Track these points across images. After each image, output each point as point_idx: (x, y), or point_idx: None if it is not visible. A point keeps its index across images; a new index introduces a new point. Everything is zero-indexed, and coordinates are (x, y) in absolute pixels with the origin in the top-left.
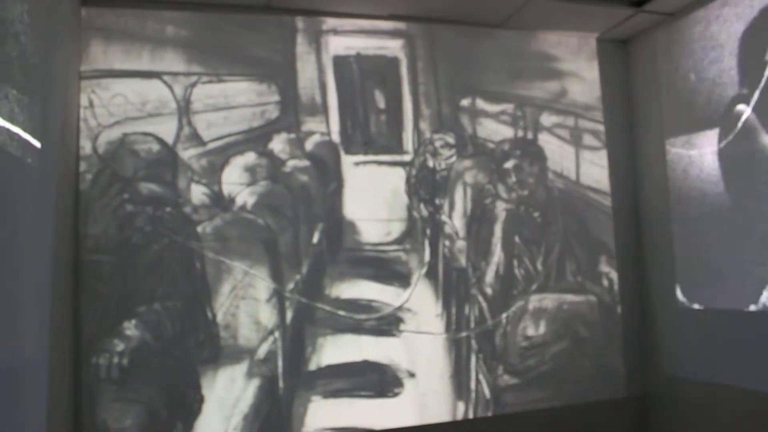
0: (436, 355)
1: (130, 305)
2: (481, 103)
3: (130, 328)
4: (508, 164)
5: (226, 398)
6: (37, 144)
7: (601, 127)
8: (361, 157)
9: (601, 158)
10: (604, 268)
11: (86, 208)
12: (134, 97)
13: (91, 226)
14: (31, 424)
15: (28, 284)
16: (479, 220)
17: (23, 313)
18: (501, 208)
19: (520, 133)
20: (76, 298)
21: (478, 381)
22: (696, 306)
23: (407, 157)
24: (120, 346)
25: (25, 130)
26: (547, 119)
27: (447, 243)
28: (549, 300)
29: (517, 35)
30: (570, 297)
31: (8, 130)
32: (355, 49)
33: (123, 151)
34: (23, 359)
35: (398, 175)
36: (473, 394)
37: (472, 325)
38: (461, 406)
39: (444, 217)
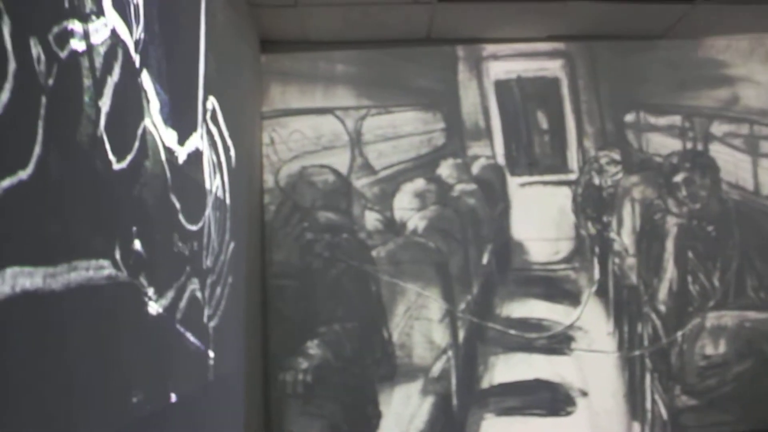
0: (608, 374)
1: (312, 326)
2: (646, 117)
3: (313, 348)
4: (678, 178)
5: (402, 414)
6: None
7: None
8: (526, 178)
9: None
10: None
11: (271, 237)
12: (310, 132)
13: (276, 254)
14: None
15: (228, 306)
16: (649, 236)
17: (226, 331)
18: (672, 223)
19: (689, 145)
20: (264, 320)
21: (653, 401)
22: None
23: (572, 176)
24: (304, 364)
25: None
26: (717, 128)
27: (616, 260)
28: (728, 317)
29: (681, 44)
30: (752, 314)
31: (222, 179)
32: (515, 72)
33: (302, 183)
34: (226, 373)
35: (564, 194)
36: (649, 415)
37: (646, 343)
38: (636, 426)
39: (612, 235)
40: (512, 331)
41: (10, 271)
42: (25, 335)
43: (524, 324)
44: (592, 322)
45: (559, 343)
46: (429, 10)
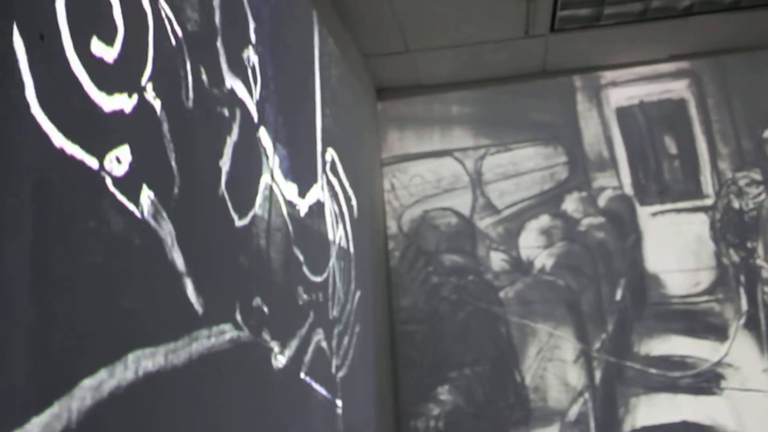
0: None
1: (442, 371)
2: None
3: (444, 393)
4: None
5: None
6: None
7: None
8: (657, 207)
9: None
10: None
11: (397, 283)
12: (430, 175)
13: (403, 299)
14: None
15: (357, 355)
16: None
17: (355, 380)
18: None
19: None
20: (393, 367)
21: None
22: None
23: (708, 201)
24: (435, 410)
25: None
26: None
27: (766, 289)
28: None
29: None
30: None
31: (345, 229)
32: (637, 97)
33: (425, 227)
34: (356, 422)
35: (701, 221)
36: None
37: None
38: None
39: (759, 261)
40: (653, 370)
41: (132, 356)
42: (151, 417)
43: (666, 362)
44: (744, 357)
45: (707, 381)
46: (542, 42)
